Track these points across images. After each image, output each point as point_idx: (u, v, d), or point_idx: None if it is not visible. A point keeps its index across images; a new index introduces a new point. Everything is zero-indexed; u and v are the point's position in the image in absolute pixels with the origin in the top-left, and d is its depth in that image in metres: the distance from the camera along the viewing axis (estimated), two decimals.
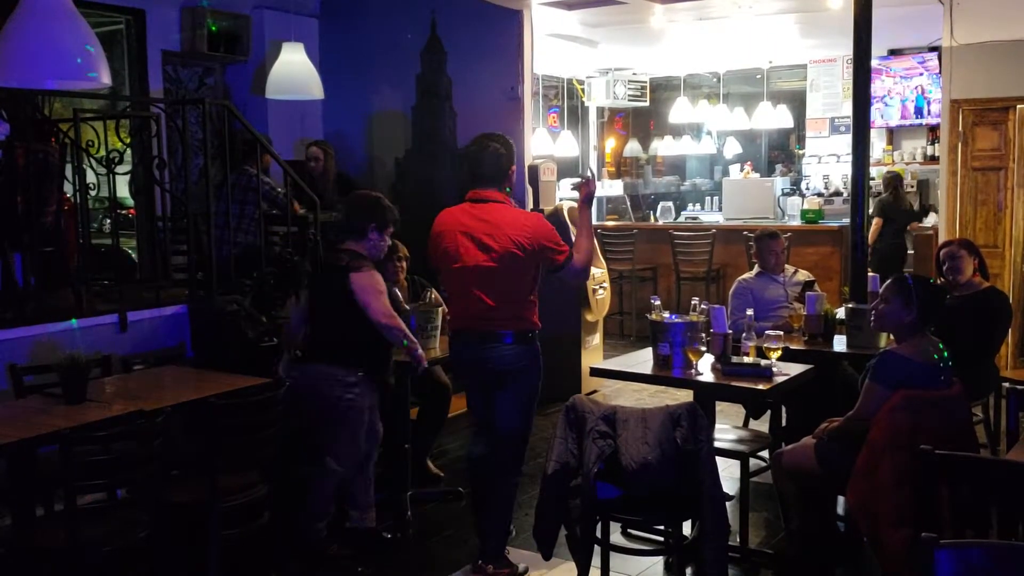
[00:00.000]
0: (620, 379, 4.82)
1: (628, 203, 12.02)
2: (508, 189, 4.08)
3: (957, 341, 3.95)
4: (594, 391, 7.19)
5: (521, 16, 7.42)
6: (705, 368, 4.09)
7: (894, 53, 10.28)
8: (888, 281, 3.89)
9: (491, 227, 3.92)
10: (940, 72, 7.94)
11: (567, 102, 11.74)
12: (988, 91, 7.26)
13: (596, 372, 4.46)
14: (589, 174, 4.23)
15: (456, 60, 7.76)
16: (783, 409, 4.88)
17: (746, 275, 5.66)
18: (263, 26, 7.71)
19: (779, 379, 3.97)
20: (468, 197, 4.05)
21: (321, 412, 4.15)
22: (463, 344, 4.07)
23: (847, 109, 8.18)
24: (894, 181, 9.30)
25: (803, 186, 11.34)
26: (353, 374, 4.13)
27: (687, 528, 3.77)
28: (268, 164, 6.33)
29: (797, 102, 11.84)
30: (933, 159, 9.88)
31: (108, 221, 6.86)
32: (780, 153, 13.68)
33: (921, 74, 10.23)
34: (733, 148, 12.83)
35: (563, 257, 3.93)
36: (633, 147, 13.54)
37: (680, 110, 11.38)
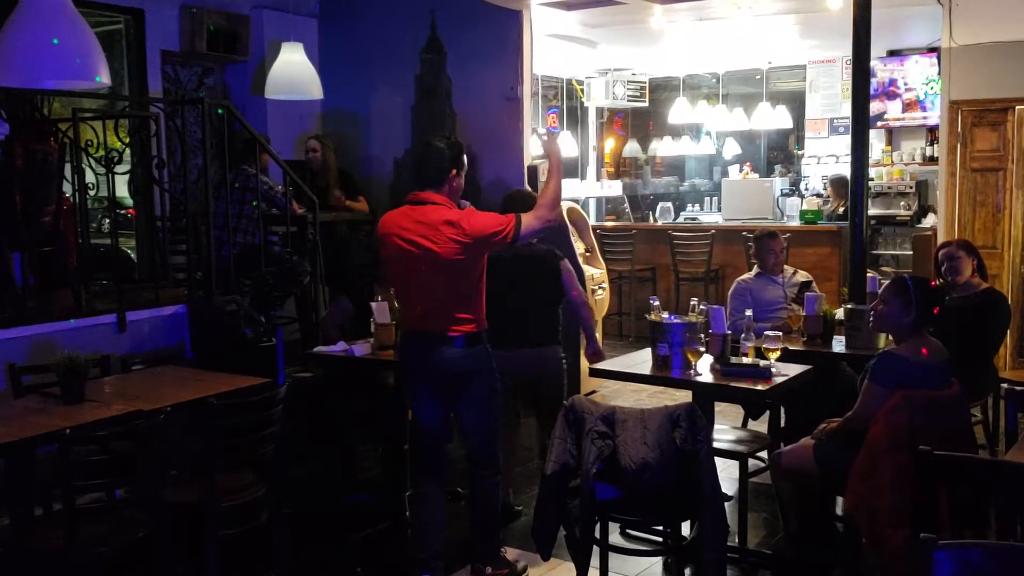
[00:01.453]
0: (619, 380, 4.82)
1: (627, 203, 12.03)
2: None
3: (956, 342, 3.95)
4: (593, 391, 7.19)
5: (521, 16, 7.42)
6: (704, 369, 4.09)
7: (893, 54, 10.28)
8: (887, 282, 3.89)
9: (428, 228, 3.80)
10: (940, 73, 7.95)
11: (566, 102, 11.74)
12: (987, 92, 7.26)
13: (595, 372, 4.45)
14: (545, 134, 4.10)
15: (455, 60, 7.76)
16: (782, 410, 4.89)
17: (745, 276, 5.66)
18: (262, 26, 7.71)
19: (778, 380, 3.97)
20: (407, 199, 3.95)
21: (545, 386, 4.66)
22: (412, 347, 3.98)
23: (846, 110, 8.19)
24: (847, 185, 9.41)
25: (802, 187, 11.34)
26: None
27: (686, 528, 3.78)
28: (267, 164, 6.33)
29: (796, 103, 11.84)
30: (932, 160, 9.88)
31: (107, 221, 6.86)
32: (779, 154, 13.68)
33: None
34: (732, 149, 12.83)
35: (510, 229, 3.77)
36: (632, 147, 13.54)
37: (679, 111, 11.38)
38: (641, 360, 4.36)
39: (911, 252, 9.14)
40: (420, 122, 7.96)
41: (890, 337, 4.02)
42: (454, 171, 3.90)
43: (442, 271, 3.80)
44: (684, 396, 4.24)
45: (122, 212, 7.55)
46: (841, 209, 9.56)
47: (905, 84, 10.18)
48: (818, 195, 10.67)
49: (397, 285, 4.06)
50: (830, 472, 3.80)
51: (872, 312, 3.93)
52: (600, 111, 12.43)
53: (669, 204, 11.44)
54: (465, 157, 3.98)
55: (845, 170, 7.70)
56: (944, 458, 2.98)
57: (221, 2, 7.43)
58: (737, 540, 4.22)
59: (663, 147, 12.96)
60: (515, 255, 4.46)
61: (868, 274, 5.26)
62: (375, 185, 7.91)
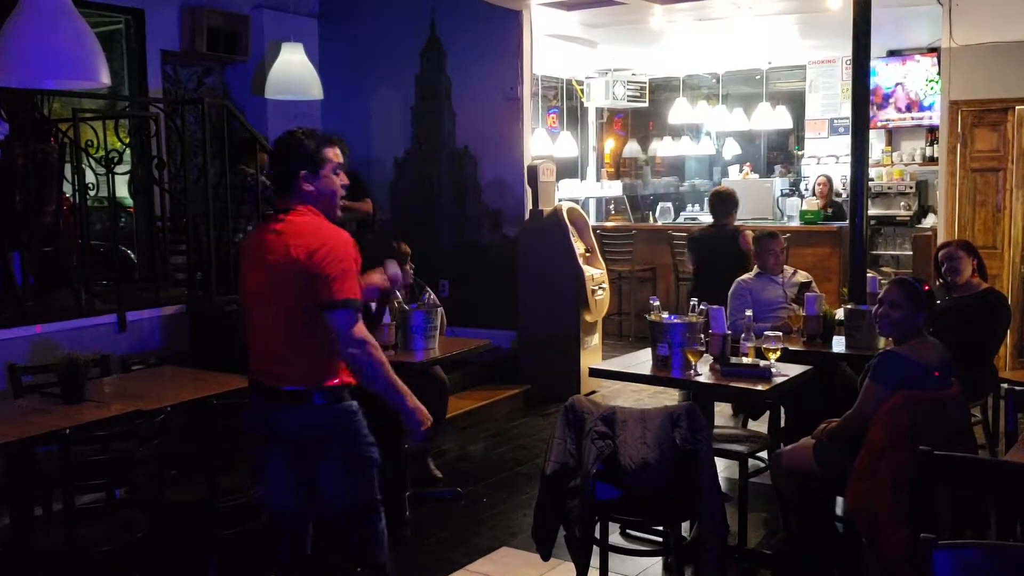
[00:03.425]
0: (619, 379, 4.82)
1: (627, 204, 12.03)
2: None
3: (956, 342, 3.95)
4: (593, 391, 7.19)
5: (521, 16, 7.43)
6: (704, 369, 4.09)
7: (893, 54, 10.28)
8: (891, 285, 3.85)
9: (280, 242, 2.97)
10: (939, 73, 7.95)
11: (566, 103, 11.74)
12: (987, 92, 7.26)
13: (595, 372, 4.46)
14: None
15: (456, 60, 7.77)
16: (782, 410, 4.89)
17: (745, 276, 5.66)
18: (262, 26, 7.72)
19: (778, 380, 3.97)
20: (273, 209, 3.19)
21: None
22: (253, 403, 3.09)
23: (846, 110, 8.19)
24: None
25: (802, 187, 11.34)
26: None
27: (686, 529, 3.78)
28: (265, 163, 6.33)
29: (796, 103, 11.84)
30: (932, 160, 9.89)
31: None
32: (779, 154, 13.68)
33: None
34: (732, 149, 12.83)
35: (337, 296, 2.87)
36: (632, 148, 13.54)
37: (679, 111, 11.38)
38: (641, 360, 4.36)
39: (911, 252, 9.14)
40: (420, 122, 7.98)
41: (890, 338, 4.01)
42: (303, 173, 3.06)
43: (281, 297, 2.97)
44: None
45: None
46: (830, 210, 9.59)
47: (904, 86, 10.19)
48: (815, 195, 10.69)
49: (248, 323, 3.15)
50: (830, 472, 3.80)
51: (882, 319, 3.83)
52: (600, 111, 12.43)
53: (669, 204, 11.44)
54: (329, 153, 3.13)
55: (845, 170, 7.72)
56: (944, 458, 2.98)
57: (221, 2, 7.44)
58: (737, 540, 4.22)
59: (663, 147, 12.96)
60: (715, 234, 6.35)
61: (868, 274, 5.26)
62: (375, 185, 7.92)
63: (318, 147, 3.13)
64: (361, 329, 2.93)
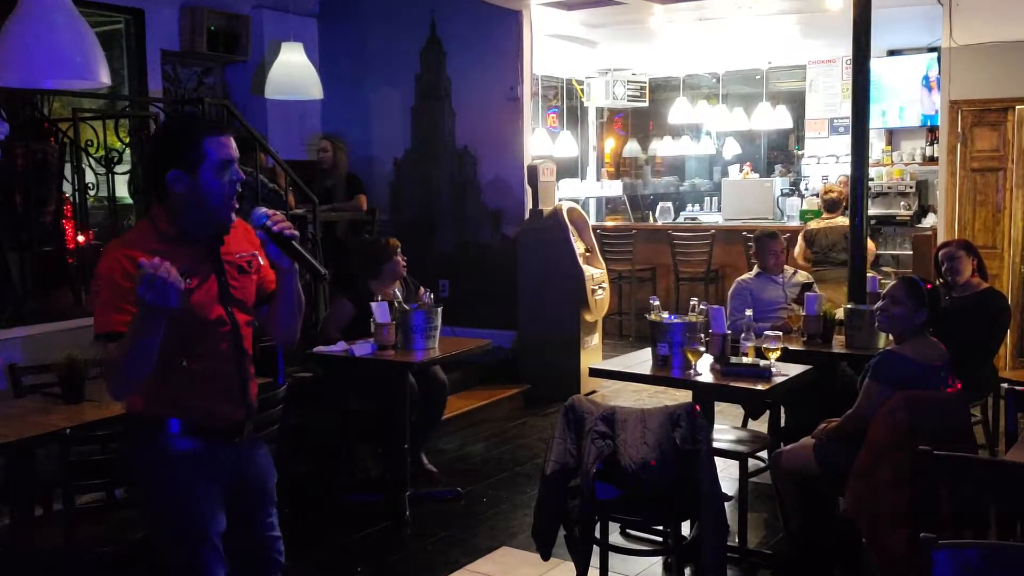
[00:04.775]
0: (619, 379, 4.83)
1: (627, 203, 12.03)
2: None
3: (956, 342, 3.95)
4: (593, 391, 7.19)
5: (521, 16, 7.43)
6: (704, 368, 4.09)
7: (893, 54, 10.28)
8: (897, 281, 3.86)
9: None
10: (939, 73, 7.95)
11: (566, 102, 11.74)
12: (987, 92, 7.26)
13: (595, 372, 4.46)
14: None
15: (456, 60, 7.77)
16: (782, 410, 4.89)
17: (745, 276, 5.66)
18: (262, 26, 7.72)
19: (778, 380, 3.97)
20: None
21: None
22: None
23: (846, 110, 8.19)
24: None
25: (802, 187, 11.33)
26: None
27: (686, 528, 3.77)
28: (264, 163, 6.34)
29: (796, 103, 11.83)
30: (932, 160, 9.88)
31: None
32: (779, 154, 13.68)
33: None
34: (732, 149, 12.83)
35: (95, 330, 2.40)
36: (632, 147, 13.54)
37: (679, 110, 11.38)
38: (641, 360, 4.36)
39: (911, 252, 9.13)
40: (420, 122, 7.98)
41: (890, 337, 4.01)
42: (173, 172, 2.44)
43: None
44: (684, 396, 4.24)
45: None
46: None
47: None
48: (818, 195, 10.66)
49: None
50: (830, 472, 3.80)
51: (881, 313, 3.87)
52: (600, 111, 12.43)
53: (669, 204, 11.44)
54: (212, 145, 2.45)
55: (845, 170, 7.71)
56: (944, 458, 2.98)
57: (221, 2, 7.44)
58: (737, 540, 4.22)
59: (663, 147, 12.96)
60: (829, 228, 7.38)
61: (868, 274, 5.26)
62: (375, 186, 7.92)
63: (198, 138, 2.45)
64: (106, 362, 2.41)
